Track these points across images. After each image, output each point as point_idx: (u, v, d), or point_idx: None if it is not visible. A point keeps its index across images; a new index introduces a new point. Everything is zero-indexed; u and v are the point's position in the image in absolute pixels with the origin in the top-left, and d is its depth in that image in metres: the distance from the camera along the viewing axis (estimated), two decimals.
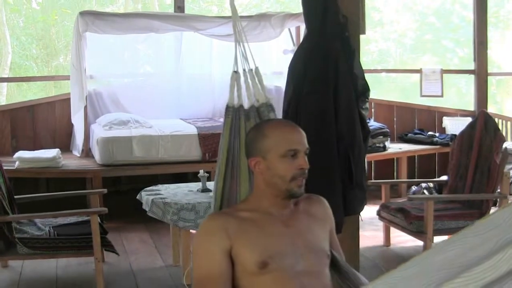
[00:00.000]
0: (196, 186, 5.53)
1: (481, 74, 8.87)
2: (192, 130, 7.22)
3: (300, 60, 3.86)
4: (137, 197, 5.46)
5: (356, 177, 3.85)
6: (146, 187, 5.57)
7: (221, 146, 2.96)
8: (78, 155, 7.50)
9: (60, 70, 13.31)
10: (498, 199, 5.85)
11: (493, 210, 5.62)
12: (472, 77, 9.05)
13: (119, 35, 7.59)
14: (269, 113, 3.01)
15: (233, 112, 3.00)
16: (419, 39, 15.69)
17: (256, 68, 3.12)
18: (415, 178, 8.64)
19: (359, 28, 4.02)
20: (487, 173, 5.80)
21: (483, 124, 5.97)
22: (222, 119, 7.90)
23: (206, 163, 6.98)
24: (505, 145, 5.94)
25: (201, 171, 5.44)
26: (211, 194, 5.10)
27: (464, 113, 8.99)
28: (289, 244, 2.52)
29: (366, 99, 3.95)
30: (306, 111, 3.80)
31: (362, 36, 4.20)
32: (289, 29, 8.10)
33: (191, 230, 5.08)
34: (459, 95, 14.17)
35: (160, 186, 5.57)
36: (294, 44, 8.21)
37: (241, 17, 7.77)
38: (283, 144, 2.53)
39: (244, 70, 3.11)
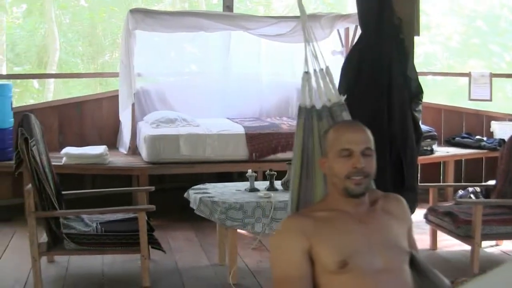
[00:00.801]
0: (243, 185, 5.51)
1: None
2: (239, 130, 7.21)
3: (354, 60, 3.83)
4: (185, 196, 5.46)
5: (407, 179, 3.81)
6: (191, 186, 5.57)
7: (295, 147, 2.99)
8: (125, 152, 7.55)
9: (106, 67, 13.44)
10: None
11: None
12: None
13: (167, 34, 7.60)
14: (341, 113, 3.03)
15: (305, 113, 3.02)
16: (465, 43, 15.49)
17: (327, 67, 3.13)
18: (461, 182, 8.53)
19: (414, 29, 3.97)
20: None
21: None
22: (269, 119, 7.99)
23: (253, 162, 6.97)
24: None
25: (249, 171, 5.43)
26: (264, 194, 5.13)
27: (505, 117, 8.84)
28: (365, 241, 2.53)
29: (420, 101, 3.91)
30: (358, 112, 3.76)
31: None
32: (337, 30, 8.06)
33: (238, 230, 5.09)
34: (507, 99, 13.96)
35: (207, 185, 5.57)
36: (342, 46, 8.18)
37: (290, 17, 7.83)
38: (337, 143, 2.58)
39: (314, 70, 3.10)
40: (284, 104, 8.58)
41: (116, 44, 13.14)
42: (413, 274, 2.61)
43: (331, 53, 8.24)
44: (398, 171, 3.79)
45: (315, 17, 7.39)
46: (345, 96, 3.04)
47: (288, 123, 7.58)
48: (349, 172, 2.53)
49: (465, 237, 5.43)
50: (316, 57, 3.13)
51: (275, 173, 5.48)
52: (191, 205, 5.27)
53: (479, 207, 5.30)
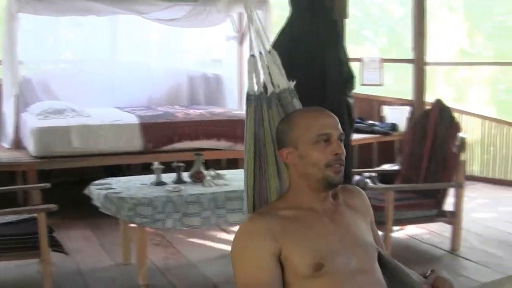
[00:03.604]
0: (148, 179, 5.18)
1: (419, 64, 8.81)
2: (133, 120, 6.84)
3: (284, 44, 3.58)
4: (85, 192, 5.07)
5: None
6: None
7: (247, 138, 2.67)
8: (8, 147, 7.00)
9: None
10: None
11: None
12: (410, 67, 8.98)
13: (51, 18, 7.11)
14: (292, 99, 2.75)
15: (254, 100, 2.72)
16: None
17: (272, 50, 2.83)
18: (354, 168, 8.49)
19: (344, 12, 3.78)
20: (442, 162, 5.72)
21: (438, 114, 5.87)
22: (160, 108, 7.64)
23: (148, 154, 6.65)
24: None
25: (156, 163, 5.09)
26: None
27: (403, 102, 8.90)
28: (338, 242, 2.30)
29: (352, 86, 3.73)
30: None
31: None
32: (231, 16, 7.83)
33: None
34: (396, 84, 14.20)
35: (110, 180, 5.19)
36: (236, 31, 7.94)
37: (185, 1, 7.50)
38: (313, 129, 2.32)
39: (260, 53, 2.81)
40: (174, 92, 8.29)
41: None
42: (383, 274, 2.41)
43: (225, 38, 8.01)
44: None
45: (211, 0, 7.10)
46: (295, 82, 2.78)
47: (183, 112, 7.28)
48: (330, 160, 2.29)
49: (377, 223, 5.32)
50: (261, 39, 2.84)
51: (183, 165, 5.18)
52: (94, 202, 4.89)
53: (390, 193, 5.22)
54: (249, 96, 2.72)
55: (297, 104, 2.74)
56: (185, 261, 5.35)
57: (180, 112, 7.25)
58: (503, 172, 8.38)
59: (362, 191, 2.58)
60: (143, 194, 4.69)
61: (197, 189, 4.90)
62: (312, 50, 3.49)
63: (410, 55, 8.89)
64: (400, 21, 15.09)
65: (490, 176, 8.43)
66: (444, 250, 5.59)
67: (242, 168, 6.86)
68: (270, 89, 2.72)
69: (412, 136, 6.09)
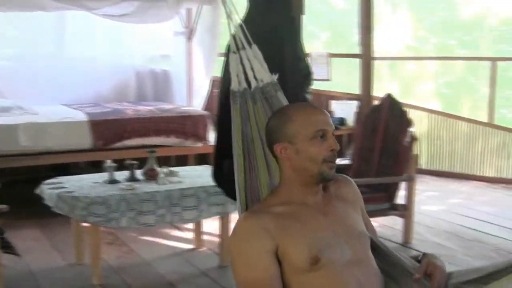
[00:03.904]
0: (100, 177, 5.09)
1: (366, 58, 8.87)
2: (82, 117, 6.71)
3: None
4: (37, 191, 4.96)
5: None
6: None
7: (235, 136, 2.68)
8: None
9: None
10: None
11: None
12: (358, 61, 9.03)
13: None
14: (276, 93, 2.78)
15: (239, 97, 2.72)
16: None
17: (253, 45, 2.83)
18: None
19: (300, 8, 3.77)
20: (394, 156, 5.77)
21: (389, 108, 5.92)
22: (108, 105, 7.53)
23: (98, 151, 6.56)
24: None
25: (108, 161, 5.02)
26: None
27: (350, 97, 8.95)
28: (332, 233, 2.35)
29: (310, 83, 3.73)
30: None
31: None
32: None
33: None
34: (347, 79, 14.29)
35: (61, 178, 5.09)
36: (184, 26, 7.87)
37: None
38: (311, 125, 2.36)
39: (242, 48, 2.82)
40: (123, 88, 8.18)
41: None
42: (376, 259, 2.46)
43: (173, 34, 7.93)
44: None
45: None
46: (277, 75, 2.78)
47: (132, 108, 7.18)
48: (326, 156, 2.35)
49: None
50: (244, 35, 2.85)
51: (136, 162, 5.12)
52: (46, 201, 4.80)
53: None
54: (234, 94, 2.74)
55: (281, 97, 2.77)
56: (139, 259, 5.29)
57: (129, 109, 7.16)
58: (450, 164, 8.51)
59: (350, 179, 2.62)
60: (97, 193, 4.62)
61: (151, 187, 4.85)
62: (271, 47, 3.45)
63: (354, 48, 8.94)
64: (343, 15, 15.26)
65: (437, 169, 8.55)
66: (397, 243, 5.64)
67: (191, 165, 6.88)
68: (253, 84, 2.73)
69: (362, 130, 6.14)
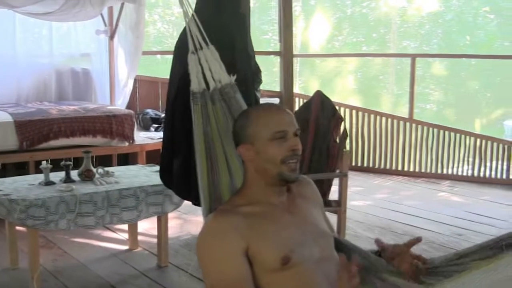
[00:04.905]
0: (34, 179, 4.97)
1: (286, 56, 8.95)
2: (6, 117, 6.49)
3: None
4: None
5: None
6: None
7: (197, 137, 2.67)
8: None
9: None
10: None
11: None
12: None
13: None
14: (234, 94, 2.79)
15: (200, 98, 2.70)
16: None
17: (211, 45, 2.81)
18: None
19: (248, 5, 3.76)
20: (326, 153, 5.84)
21: (319, 105, 5.98)
22: (30, 105, 7.33)
23: (23, 152, 6.39)
24: None
25: (44, 163, 4.87)
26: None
27: (271, 94, 9.01)
28: (300, 233, 2.36)
29: (260, 80, 3.74)
30: None
31: None
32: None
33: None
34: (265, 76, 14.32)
35: None
36: (106, 25, 7.76)
37: None
38: (270, 126, 2.35)
39: (200, 48, 2.79)
40: (42, 87, 7.97)
41: None
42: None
43: (95, 32, 7.79)
44: None
45: None
46: (235, 76, 2.77)
47: (55, 108, 7.02)
48: (285, 157, 2.34)
49: None
50: (200, 34, 2.83)
51: (71, 163, 5.00)
52: None
53: None
54: (194, 94, 2.73)
55: (239, 98, 2.76)
56: (74, 262, 5.18)
57: (53, 109, 6.99)
58: (372, 160, 8.68)
59: (310, 180, 2.65)
60: (35, 195, 4.48)
61: (88, 188, 4.75)
62: (221, 44, 3.44)
63: (263, 45, 9.00)
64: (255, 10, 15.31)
65: (359, 164, 8.72)
66: None
67: (115, 165, 6.77)
68: (212, 85, 2.72)
69: (314, 127, 6.17)
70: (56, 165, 5.20)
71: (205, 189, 2.64)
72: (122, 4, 7.43)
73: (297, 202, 2.47)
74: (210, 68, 2.83)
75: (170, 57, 3.68)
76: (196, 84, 2.74)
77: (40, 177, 4.93)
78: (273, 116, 2.39)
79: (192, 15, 2.87)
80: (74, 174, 5.00)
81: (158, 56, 12.52)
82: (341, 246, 2.56)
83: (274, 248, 2.26)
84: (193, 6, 2.93)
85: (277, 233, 2.30)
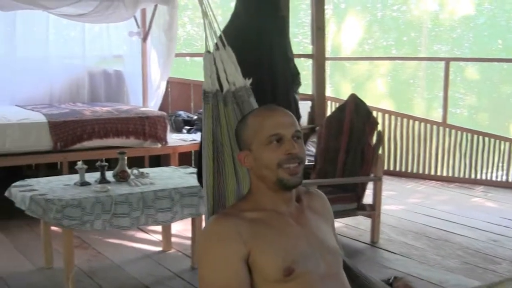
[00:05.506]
0: (68, 179, 4.99)
1: (319, 59, 8.92)
2: (40, 118, 6.52)
3: (229, 40, 3.50)
4: (5, 194, 4.82)
5: None
6: None
7: (205, 137, 2.56)
8: None
9: None
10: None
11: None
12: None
13: None
14: (248, 98, 2.67)
15: (212, 98, 2.62)
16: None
17: (228, 46, 2.74)
18: None
19: (287, 7, 3.75)
20: (360, 156, 5.81)
21: (354, 108, 5.95)
22: (63, 106, 7.37)
23: (57, 153, 6.41)
24: None
25: (79, 163, 4.89)
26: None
27: (303, 97, 8.96)
28: (306, 245, 2.23)
29: (299, 83, 3.71)
30: None
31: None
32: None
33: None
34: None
35: (29, 181, 4.94)
36: (139, 26, 7.77)
37: None
38: (263, 130, 2.25)
39: (216, 48, 2.72)
40: (75, 88, 8.01)
41: None
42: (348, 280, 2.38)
43: (128, 34, 7.81)
44: None
45: None
46: (251, 80, 2.71)
47: (89, 109, 7.04)
48: (281, 160, 2.22)
49: None
50: (215, 34, 2.76)
51: (107, 164, 5.01)
52: (18, 204, 4.65)
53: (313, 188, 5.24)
54: (206, 94, 2.63)
55: (253, 102, 2.67)
56: (109, 262, 5.19)
57: (86, 110, 7.01)
58: (403, 164, 8.61)
59: (323, 195, 2.53)
60: (71, 196, 4.50)
61: (124, 189, 4.75)
62: (261, 46, 3.43)
63: (297, 48, 8.98)
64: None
65: (392, 169, 8.65)
66: (365, 243, 5.68)
67: (148, 166, 6.77)
68: (225, 86, 2.64)
69: (326, 131, 6.14)
70: (89, 166, 5.21)
71: (210, 192, 2.52)
72: (156, 6, 7.44)
73: (306, 214, 2.35)
74: (225, 70, 2.73)
75: (199, 59, 3.65)
76: (209, 84, 2.65)
77: (74, 177, 4.95)
78: (267, 119, 2.28)
79: (210, 14, 2.79)
80: (109, 175, 5.01)
81: (187, 58, 12.52)
82: (347, 270, 2.43)
83: (277, 258, 2.15)
84: (212, 6, 2.85)
85: (281, 243, 2.19)
